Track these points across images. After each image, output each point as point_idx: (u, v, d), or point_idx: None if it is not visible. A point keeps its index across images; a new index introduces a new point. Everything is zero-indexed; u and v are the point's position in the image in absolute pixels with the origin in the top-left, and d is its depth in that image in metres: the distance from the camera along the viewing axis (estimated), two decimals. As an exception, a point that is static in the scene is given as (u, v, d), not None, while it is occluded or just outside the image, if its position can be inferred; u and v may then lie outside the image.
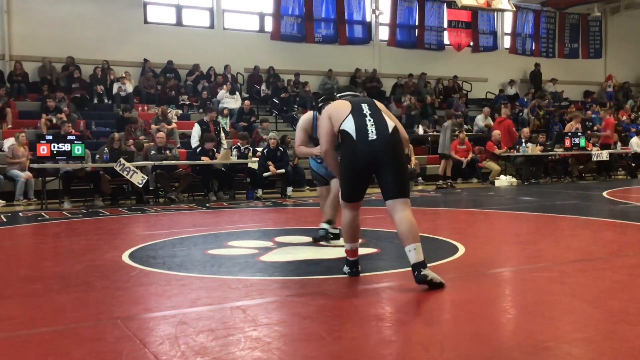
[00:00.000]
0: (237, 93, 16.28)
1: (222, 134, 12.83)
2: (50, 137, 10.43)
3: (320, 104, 5.31)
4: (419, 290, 3.91)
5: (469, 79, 20.76)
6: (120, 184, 10.95)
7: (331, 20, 18.84)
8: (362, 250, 4.60)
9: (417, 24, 20.06)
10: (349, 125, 4.17)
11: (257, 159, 11.86)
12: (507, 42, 21.85)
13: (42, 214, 9.23)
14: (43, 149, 10.14)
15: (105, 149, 10.74)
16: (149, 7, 16.75)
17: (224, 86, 16.03)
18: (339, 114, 4.29)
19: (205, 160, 11.22)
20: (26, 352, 2.91)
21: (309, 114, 5.81)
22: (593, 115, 18.08)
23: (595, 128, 16.98)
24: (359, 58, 19.06)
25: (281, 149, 11.96)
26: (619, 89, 22.84)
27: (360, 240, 4.49)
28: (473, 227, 7.57)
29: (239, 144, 12.32)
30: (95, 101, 15.21)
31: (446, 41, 20.71)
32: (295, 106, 16.83)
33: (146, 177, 10.36)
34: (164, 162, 11.01)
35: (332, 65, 18.13)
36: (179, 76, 16.63)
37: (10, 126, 13.13)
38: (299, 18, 18.31)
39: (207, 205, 10.33)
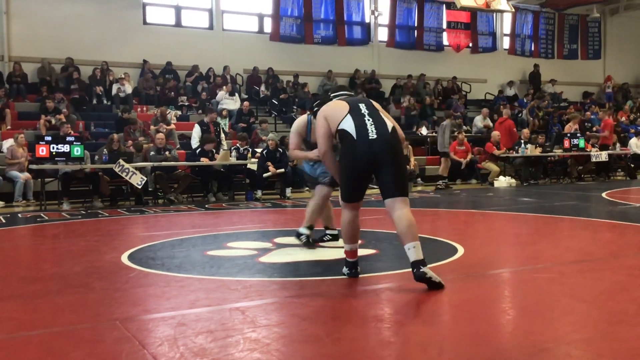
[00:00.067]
0: (236, 94, 16.29)
1: (222, 135, 12.83)
2: (49, 138, 10.42)
3: (315, 109, 5.16)
4: (418, 291, 3.91)
5: (468, 80, 20.77)
6: (119, 185, 10.94)
7: (330, 21, 18.85)
8: (361, 252, 4.59)
9: (416, 25, 20.08)
10: (348, 125, 4.17)
11: (257, 160, 11.86)
12: (506, 43, 21.87)
13: (41, 215, 9.23)
14: (42, 150, 10.14)
15: (105, 150, 10.73)
16: (148, 8, 16.75)
17: (224, 87, 16.03)
18: (336, 114, 4.28)
19: (204, 161, 11.22)
20: (25, 353, 2.91)
21: (304, 117, 5.75)
22: (592, 116, 18.09)
23: (594, 129, 16.99)
24: (358, 59, 19.07)
25: (280, 150, 11.96)
26: (618, 89, 22.86)
27: (359, 242, 4.49)
28: (472, 228, 7.57)
29: (238, 145, 12.32)
30: (95, 102, 15.21)
31: (445, 42, 20.73)
32: (295, 107, 16.83)
33: (145, 178, 10.35)
34: (163, 163, 11.00)
35: (331, 66, 18.14)
36: (178, 77, 16.63)
37: (9, 127, 13.12)
38: (298, 19, 18.32)
39: (206, 206, 10.33)
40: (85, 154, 10.48)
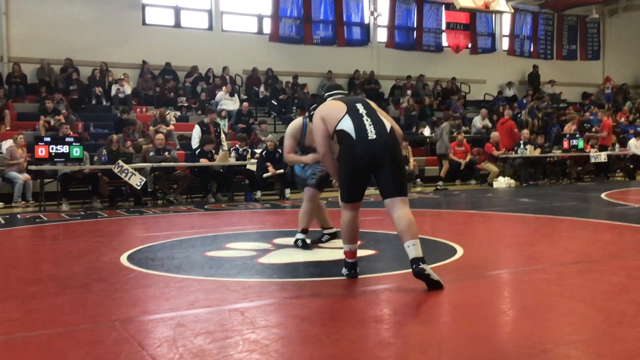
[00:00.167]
0: (236, 95, 16.28)
1: (222, 136, 12.83)
2: (48, 139, 10.42)
3: (312, 113, 5.08)
4: (417, 292, 3.91)
5: (468, 81, 20.78)
6: (118, 186, 10.93)
7: (330, 22, 18.86)
8: (360, 252, 4.59)
9: (415, 25, 20.09)
10: (347, 125, 4.17)
11: (256, 160, 11.86)
12: (505, 43, 21.88)
13: (40, 215, 9.22)
14: (41, 151, 10.13)
15: (104, 150, 10.73)
16: (148, 8, 16.75)
17: (224, 87, 16.03)
18: (333, 114, 4.28)
19: (203, 162, 11.22)
20: (24, 354, 2.90)
21: (299, 120, 5.71)
22: (591, 117, 18.10)
23: (593, 130, 17.00)
24: (358, 60, 19.08)
25: (280, 150, 11.95)
26: (617, 90, 22.88)
27: (359, 242, 4.49)
28: (471, 228, 7.57)
29: (237, 145, 12.31)
30: (94, 103, 15.21)
31: (444, 43, 20.74)
32: (294, 108, 16.83)
33: (144, 179, 10.35)
34: (163, 164, 11.00)
35: (331, 67, 18.14)
36: (177, 78, 16.63)
37: (8, 128, 13.12)
38: (298, 20, 18.33)
39: (205, 207, 10.33)
40: (84, 154, 10.48)
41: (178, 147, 13.22)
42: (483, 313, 3.50)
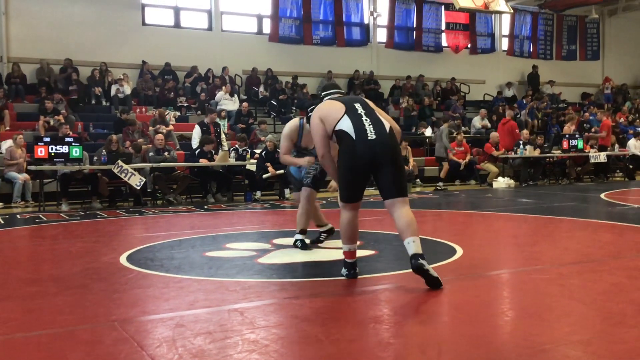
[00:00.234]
0: (235, 95, 16.29)
1: (223, 136, 12.83)
2: (48, 139, 10.42)
3: (310, 114, 5.02)
4: (417, 292, 3.91)
5: (467, 81, 20.79)
6: (118, 186, 10.93)
7: (329, 22, 18.86)
8: (360, 252, 4.59)
9: (414, 26, 20.09)
10: (347, 125, 4.16)
11: (255, 160, 11.86)
12: (504, 44, 21.89)
13: (40, 216, 9.22)
14: (41, 151, 10.13)
15: (103, 150, 10.73)
16: (147, 9, 16.75)
17: (224, 88, 16.03)
18: (332, 114, 4.27)
19: (203, 162, 11.21)
20: (23, 354, 2.90)
21: (295, 121, 5.68)
22: (590, 117, 18.11)
23: (592, 130, 17.01)
24: (357, 60, 19.08)
25: (279, 151, 11.94)
26: (616, 91, 22.89)
27: (358, 243, 4.49)
28: (471, 229, 7.57)
29: (237, 145, 12.31)
30: (93, 103, 15.21)
31: (444, 43, 20.74)
32: (293, 108, 16.83)
33: (144, 179, 10.35)
34: (162, 164, 11.00)
35: (330, 67, 18.14)
36: (177, 78, 16.63)
37: (8, 128, 13.12)
38: (297, 20, 18.33)
39: (205, 207, 10.33)
40: (84, 154, 10.48)
41: (178, 147, 13.22)
42: (483, 313, 3.50)
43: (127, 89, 15.30)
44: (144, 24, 16.63)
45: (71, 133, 11.62)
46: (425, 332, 3.19)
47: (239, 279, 4.41)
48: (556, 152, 15.00)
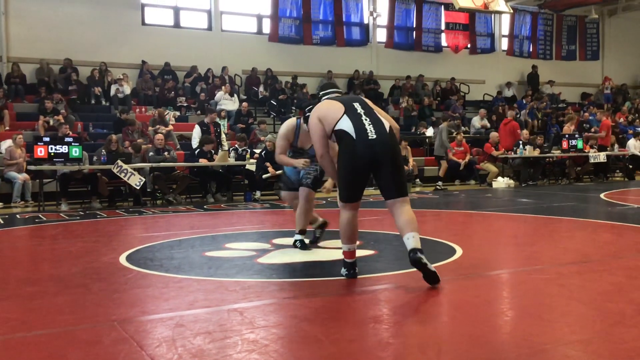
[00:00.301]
0: (235, 95, 16.28)
1: (223, 136, 12.83)
2: (47, 139, 10.41)
3: (308, 114, 4.99)
4: (416, 292, 3.91)
5: (467, 81, 20.79)
6: (117, 186, 10.93)
7: (329, 22, 18.86)
8: (359, 252, 4.59)
9: (414, 25, 20.08)
10: (347, 125, 4.16)
11: (255, 160, 11.86)
12: (504, 44, 21.88)
13: (40, 215, 9.22)
14: (40, 151, 10.13)
15: (103, 150, 10.73)
16: (147, 8, 16.74)
17: (223, 88, 16.03)
18: (331, 114, 4.27)
19: (203, 162, 11.21)
20: (23, 354, 2.90)
21: (292, 121, 5.63)
22: (590, 117, 18.11)
23: (592, 130, 17.01)
24: (357, 60, 19.08)
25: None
26: (616, 90, 22.89)
27: (358, 242, 4.49)
28: (470, 228, 7.57)
29: (236, 145, 12.31)
30: (93, 103, 15.20)
31: (444, 43, 20.74)
32: (293, 108, 16.83)
33: (143, 179, 10.35)
34: (162, 164, 11.00)
35: (330, 67, 18.13)
36: (176, 78, 16.63)
37: (7, 128, 13.11)
38: (297, 20, 18.32)
39: (204, 207, 10.33)
40: (83, 154, 10.48)
41: (178, 147, 13.22)
42: (482, 313, 3.50)
43: (127, 89, 15.30)
44: (143, 23, 16.62)
45: (71, 133, 11.61)
46: (425, 332, 3.20)
47: (238, 279, 4.41)
48: (556, 152, 15.00)
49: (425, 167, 15.32)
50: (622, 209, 9.07)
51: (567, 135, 15.02)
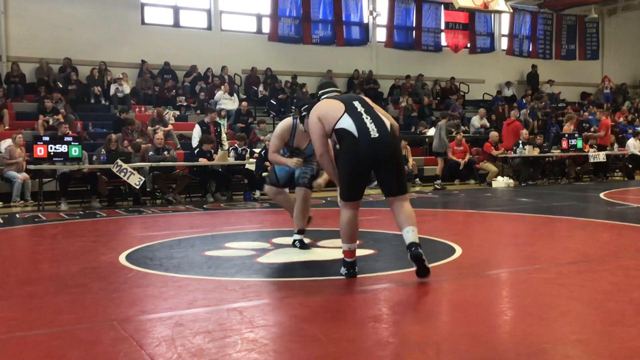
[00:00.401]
0: (235, 94, 16.28)
1: (223, 135, 12.83)
2: (47, 139, 10.40)
3: (304, 114, 5.02)
4: (416, 291, 3.92)
5: (466, 81, 20.79)
6: (117, 186, 10.92)
7: (329, 22, 18.85)
8: (359, 252, 4.58)
9: (414, 25, 20.08)
10: (348, 124, 4.17)
11: (255, 160, 11.86)
12: (504, 43, 21.88)
13: (39, 215, 9.22)
14: (40, 150, 10.12)
15: (102, 150, 10.72)
16: (147, 8, 16.73)
17: (223, 87, 16.03)
18: (331, 113, 4.27)
19: (202, 161, 11.21)
20: (22, 354, 2.90)
21: (288, 120, 5.56)
22: (590, 117, 18.12)
23: (592, 129, 17.01)
24: (357, 59, 19.08)
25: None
26: (616, 90, 22.90)
27: (358, 242, 4.49)
28: (470, 228, 7.57)
29: (236, 145, 12.31)
30: (93, 102, 15.20)
31: (443, 42, 20.74)
32: (293, 107, 16.82)
33: (143, 179, 10.35)
34: (161, 164, 11.00)
35: (330, 67, 18.14)
36: (176, 77, 16.62)
37: (7, 127, 13.10)
38: (297, 19, 18.32)
39: (204, 206, 10.32)
40: (83, 154, 10.47)
41: (178, 146, 13.21)
42: (482, 312, 3.50)
43: (127, 88, 15.29)
44: (143, 23, 16.61)
45: (70, 132, 11.61)
46: (424, 331, 3.20)
47: (238, 278, 4.41)
48: (555, 152, 15.00)
49: (424, 167, 15.32)
50: (621, 208, 9.07)
51: (566, 135, 15.02)
